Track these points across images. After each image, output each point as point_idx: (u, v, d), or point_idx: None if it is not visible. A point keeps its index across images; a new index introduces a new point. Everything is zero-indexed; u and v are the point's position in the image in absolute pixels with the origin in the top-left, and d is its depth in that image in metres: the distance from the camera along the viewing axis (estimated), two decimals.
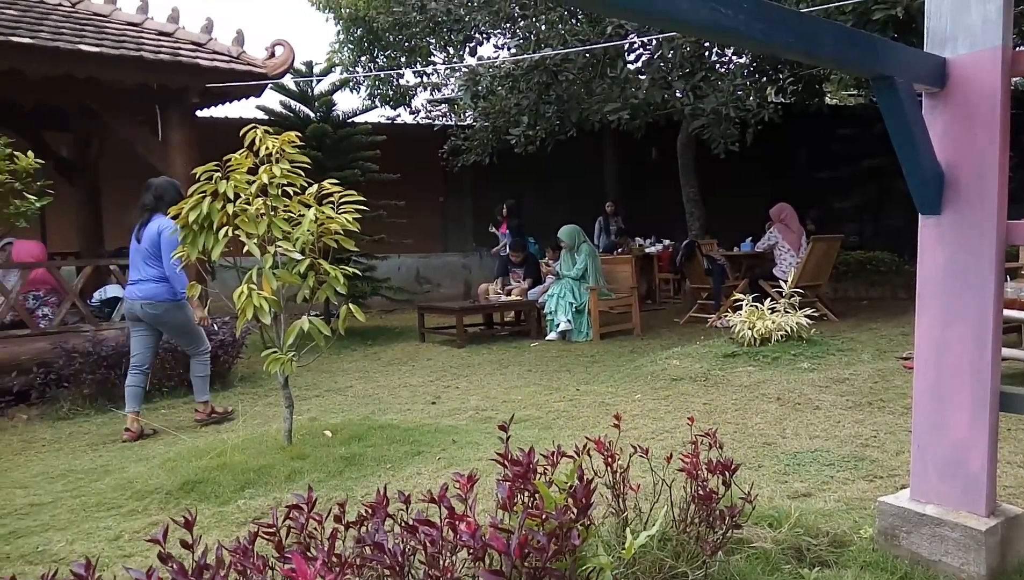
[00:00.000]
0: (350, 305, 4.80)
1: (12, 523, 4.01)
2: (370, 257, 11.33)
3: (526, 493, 2.01)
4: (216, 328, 7.27)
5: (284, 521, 1.81)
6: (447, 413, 6.11)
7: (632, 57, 9.38)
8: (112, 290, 8.29)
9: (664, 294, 13.93)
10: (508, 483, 1.92)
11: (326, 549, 1.62)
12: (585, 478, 2.02)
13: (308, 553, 1.68)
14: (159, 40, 7.23)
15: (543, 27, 8.77)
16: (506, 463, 2.07)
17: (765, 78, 9.91)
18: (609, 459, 2.50)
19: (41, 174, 10.81)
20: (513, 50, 10.00)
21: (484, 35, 10.96)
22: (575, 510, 1.88)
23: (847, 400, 5.49)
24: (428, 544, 1.67)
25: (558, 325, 9.84)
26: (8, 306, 6.85)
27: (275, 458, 4.63)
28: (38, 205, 10.89)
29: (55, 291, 7.47)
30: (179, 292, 5.76)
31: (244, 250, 4.79)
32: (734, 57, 9.42)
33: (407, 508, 1.98)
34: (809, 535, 2.96)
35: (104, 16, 7.31)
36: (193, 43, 7.43)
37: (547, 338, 9.91)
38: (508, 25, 9.95)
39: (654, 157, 15.26)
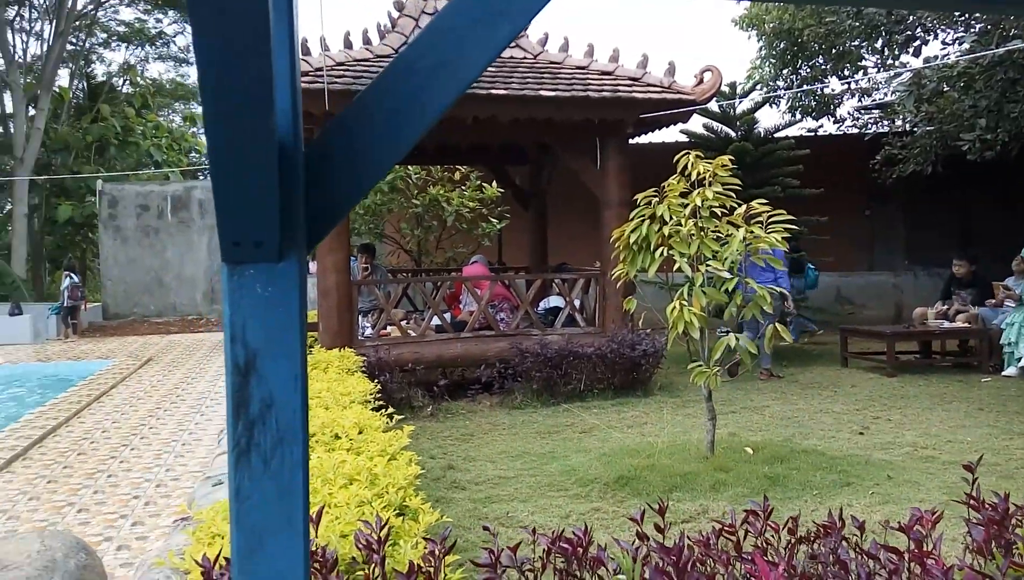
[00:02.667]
0: (776, 325, 4.80)
1: (487, 490, 4.90)
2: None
3: (1001, 542, 1.84)
4: (641, 339, 7.84)
5: (742, 524, 1.95)
6: (878, 446, 5.67)
7: None
8: (554, 300, 9.48)
9: None
10: (983, 527, 1.78)
11: (786, 559, 1.72)
12: None
13: (765, 558, 1.80)
14: (601, 79, 8.09)
15: (1011, 17, 7.57)
16: (977, 507, 1.92)
17: None
18: None
19: (500, 201, 12.96)
20: (967, 46, 8.80)
21: (931, 33, 9.85)
22: None
23: None
24: (891, 573, 1.66)
25: (1019, 359, 8.35)
26: (479, 313, 8.31)
27: (698, 467, 4.85)
28: (498, 227, 13.07)
29: (508, 300, 8.83)
30: (785, 288, 8.22)
31: (675, 268, 5.12)
32: None
33: (861, 535, 1.97)
34: None
35: (558, 63, 8.45)
36: (630, 78, 8.14)
37: (1004, 373, 8.48)
38: (962, 19, 8.77)
39: None
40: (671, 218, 4.86)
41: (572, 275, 9.03)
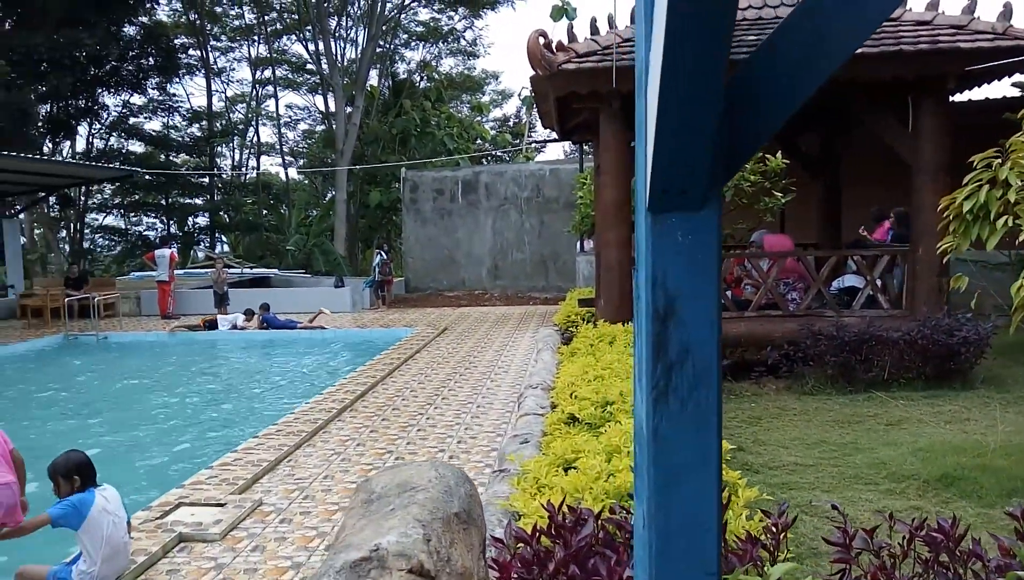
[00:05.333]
0: None
1: (783, 476, 4.67)
2: None
3: None
4: (960, 324, 6.91)
5: None
6: None
7: None
8: (850, 280, 8.72)
9: None
10: None
11: None
12: None
13: None
14: (916, 30, 7.19)
15: None
16: None
17: None
18: None
19: (785, 172, 12.14)
20: None
21: None
22: None
23: None
24: None
25: None
26: (765, 290, 7.91)
27: None
28: (783, 201, 12.27)
29: (802, 278, 8.27)
30: None
31: (1020, 240, 4.40)
32: None
33: None
34: None
35: None
36: (952, 27, 7.13)
37: None
38: None
39: None
40: (1019, 181, 4.17)
41: (874, 252, 8.22)
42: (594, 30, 7.28)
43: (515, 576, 1.55)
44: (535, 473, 2.35)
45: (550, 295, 18.78)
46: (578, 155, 17.98)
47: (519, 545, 1.67)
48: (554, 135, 14.27)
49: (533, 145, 29.39)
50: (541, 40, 6.78)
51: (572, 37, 7.06)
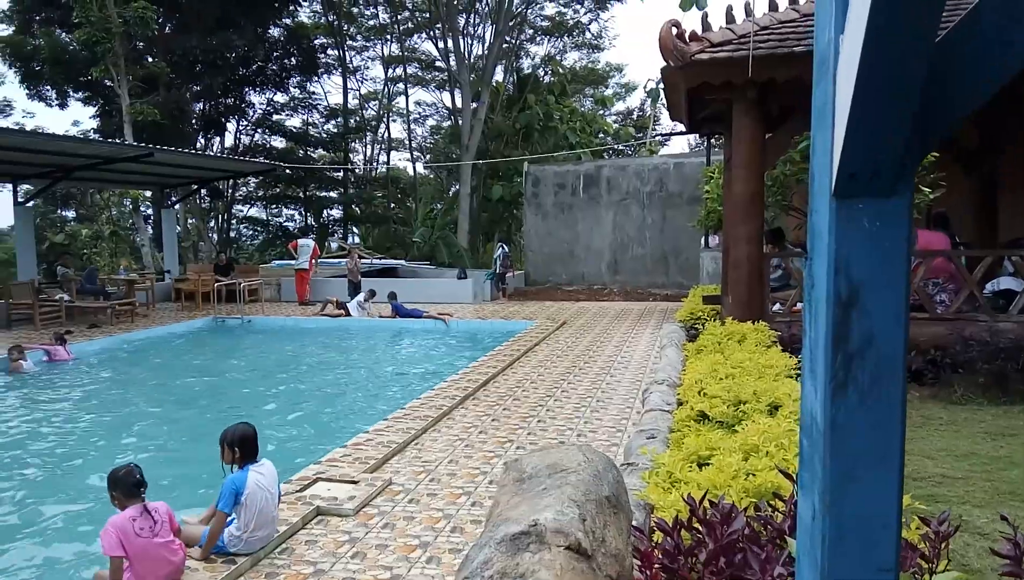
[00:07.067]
0: None
1: (929, 488, 4.38)
2: None
3: None
4: None
5: None
6: None
7: None
8: (1006, 282, 8.05)
9: None
10: None
11: None
12: None
13: None
14: None
15: None
16: None
17: None
18: None
19: (934, 166, 11.31)
20: None
21: None
22: None
23: None
24: None
25: None
26: (911, 291, 7.43)
27: None
28: (930, 196, 11.46)
29: (953, 279, 7.71)
30: None
31: None
32: None
33: None
34: None
35: None
36: None
37: None
38: None
39: None
40: None
41: None
42: (730, 19, 7.06)
43: (657, 566, 1.55)
44: (669, 467, 2.34)
45: (671, 291, 18.42)
46: (704, 148, 17.51)
47: (657, 536, 1.67)
48: (680, 127, 13.95)
49: (657, 138, 28.89)
50: (674, 30, 6.66)
51: (706, 26, 6.89)
